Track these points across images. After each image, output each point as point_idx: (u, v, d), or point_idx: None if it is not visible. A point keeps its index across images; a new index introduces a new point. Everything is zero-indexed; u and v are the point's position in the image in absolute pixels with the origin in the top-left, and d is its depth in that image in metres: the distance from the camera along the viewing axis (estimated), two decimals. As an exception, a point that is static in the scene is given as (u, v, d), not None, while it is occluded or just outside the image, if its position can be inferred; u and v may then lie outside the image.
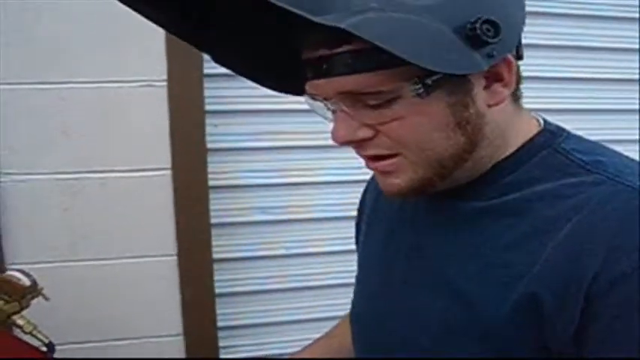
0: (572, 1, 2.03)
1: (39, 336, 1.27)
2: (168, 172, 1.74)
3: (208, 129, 1.79)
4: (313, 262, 1.98)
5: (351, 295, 1.08)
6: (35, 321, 1.28)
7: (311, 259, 1.98)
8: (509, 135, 0.80)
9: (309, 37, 0.71)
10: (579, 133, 0.83)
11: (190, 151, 1.76)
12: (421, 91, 0.69)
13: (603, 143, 0.82)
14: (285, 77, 0.83)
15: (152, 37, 1.62)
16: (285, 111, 1.84)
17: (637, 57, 2.08)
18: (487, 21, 0.66)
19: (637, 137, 2.06)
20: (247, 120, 1.86)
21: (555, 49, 2.03)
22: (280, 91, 0.86)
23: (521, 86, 0.80)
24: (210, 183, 1.81)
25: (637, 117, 2.09)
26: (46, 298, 1.29)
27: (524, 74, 0.79)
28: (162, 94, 1.70)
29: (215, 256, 1.86)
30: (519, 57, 0.77)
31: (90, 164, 1.70)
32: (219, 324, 1.90)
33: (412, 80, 0.68)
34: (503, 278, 0.75)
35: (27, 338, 1.28)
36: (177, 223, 1.78)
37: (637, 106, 2.09)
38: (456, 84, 0.71)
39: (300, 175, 1.92)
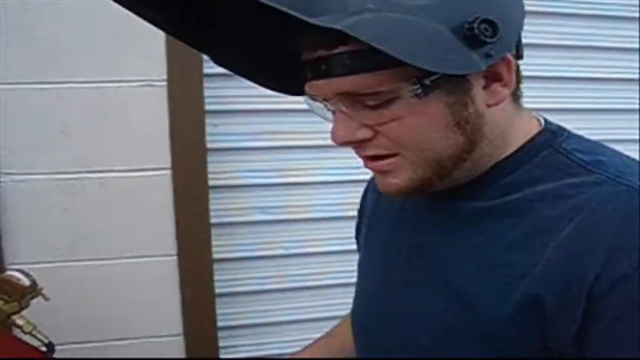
0: (571, 0, 2.03)
1: (39, 336, 1.27)
2: (168, 172, 1.74)
3: (208, 129, 1.79)
4: (312, 262, 1.98)
5: (351, 295, 1.08)
6: (35, 321, 1.28)
7: (310, 259, 1.98)
8: (509, 135, 0.80)
9: (307, 38, 0.71)
10: (579, 132, 0.83)
11: (190, 151, 1.76)
12: (419, 91, 0.69)
13: (604, 143, 0.82)
14: (285, 78, 0.82)
15: (152, 37, 1.61)
16: (284, 111, 1.84)
17: (637, 56, 2.08)
18: (485, 20, 0.66)
19: (637, 137, 2.06)
20: (247, 120, 1.86)
21: (555, 49, 2.03)
22: (280, 91, 0.86)
23: (522, 86, 0.80)
24: (210, 183, 1.81)
25: (637, 116, 2.09)
26: (46, 298, 1.29)
27: (524, 74, 0.79)
28: (162, 93, 1.70)
29: (215, 256, 1.86)
30: (519, 56, 0.77)
31: (90, 164, 1.70)
32: (219, 324, 1.90)
33: (410, 81, 0.68)
34: (504, 278, 0.75)
35: (27, 338, 1.28)
36: (177, 222, 1.77)
37: (637, 106, 2.09)
38: (454, 84, 0.71)
39: (300, 174, 1.91)
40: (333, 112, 0.76)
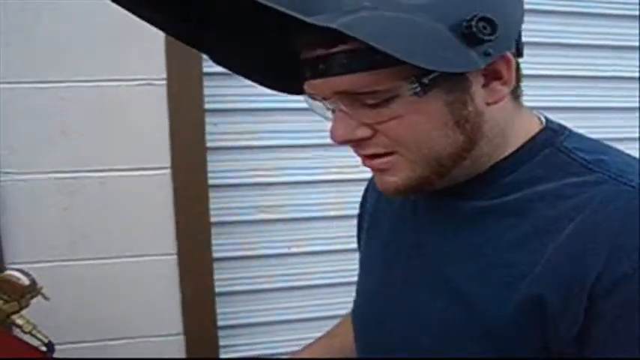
0: (572, -2, 2.03)
1: (38, 335, 1.27)
2: (168, 171, 1.74)
3: (208, 128, 1.79)
4: (313, 261, 1.98)
5: (352, 294, 1.07)
6: (35, 320, 1.28)
7: (311, 258, 1.98)
8: (509, 133, 0.79)
9: (305, 37, 0.71)
10: (580, 131, 0.83)
11: (190, 150, 1.76)
12: (418, 89, 0.69)
13: (604, 141, 0.82)
14: (285, 77, 0.82)
15: (152, 36, 1.59)
16: (284, 110, 1.84)
17: (637, 55, 2.08)
18: (483, 18, 0.66)
19: (637, 135, 2.06)
20: (247, 119, 1.85)
21: (555, 48, 2.03)
22: (279, 90, 0.86)
23: (522, 84, 0.80)
24: (210, 182, 1.81)
25: (637, 115, 2.09)
26: (46, 298, 1.29)
27: (524, 72, 0.79)
28: (162, 93, 1.70)
29: (215, 255, 1.86)
30: (519, 55, 0.77)
31: (89, 163, 1.70)
32: (219, 323, 1.90)
33: (409, 79, 0.68)
34: (504, 278, 0.74)
35: (26, 338, 1.28)
36: (177, 222, 1.77)
37: (637, 104, 2.09)
38: (453, 82, 0.71)
39: (300, 174, 1.92)
40: (333, 111, 0.76)
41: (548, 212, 0.74)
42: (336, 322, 1.26)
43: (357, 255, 1.11)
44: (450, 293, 0.81)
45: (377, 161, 0.78)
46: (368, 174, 0.91)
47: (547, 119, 0.84)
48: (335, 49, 0.68)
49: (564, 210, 0.72)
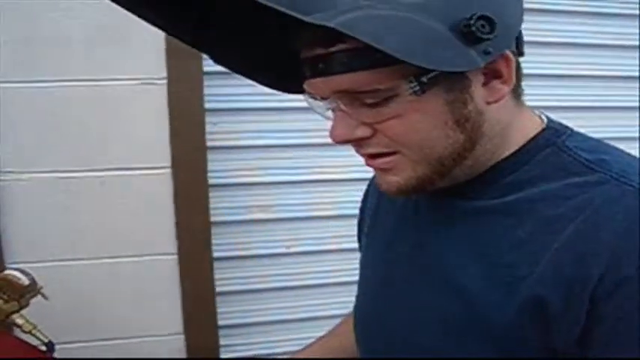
0: (572, -3, 2.03)
1: (38, 335, 1.27)
2: (168, 171, 1.74)
3: (208, 127, 1.79)
4: (314, 261, 1.98)
5: (352, 294, 1.07)
6: (34, 320, 1.28)
7: (312, 258, 1.98)
8: (510, 132, 0.79)
9: (304, 36, 0.71)
10: (581, 130, 0.83)
11: (190, 150, 1.76)
12: (417, 88, 0.68)
13: (605, 141, 0.82)
14: (285, 76, 0.82)
15: (152, 35, 1.61)
16: (285, 109, 1.84)
17: (637, 54, 2.07)
18: (482, 17, 0.65)
19: (637, 135, 2.05)
20: (247, 118, 1.86)
21: (556, 47, 2.03)
22: (280, 89, 0.86)
23: (523, 83, 0.80)
24: (210, 181, 1.81)
25: (637, 114, 2.09)
26: (46, 297, 1.29)
27: (525, 71, 0.79)
28: (162, 92, 1.70)
29: (215, 254, 1.85)
30: (520, 53, 0.77)
31: (90, 163, 1.70)
32: (220, 322, 1.90)
33: (408, 78, 0.68)
34: (506, 279, 0.74)
35: (26, 337, 1.28)
36: (177, 221, 1.78)
37: (637, 104, 2.09)
38: (453, 81, 0.70)
39: (301, 173, 1.91)
40: (333, 111, 0.76)
41: (549, 212, 0.74)
42: (334, 321, 1.26)
43: (356, 255, 1.11)
44: (452, 293, 0.80)
45: (379, 161, 0.78)
46: (366, 174, 0.91)
47: (548, 119, 0.84)
48: (334, 48, 0.68)
49: (566, 210, 0.72)
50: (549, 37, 2.01)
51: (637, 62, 2.07)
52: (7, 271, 1.27)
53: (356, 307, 1.06)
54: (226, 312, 1.93)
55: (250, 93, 1.79)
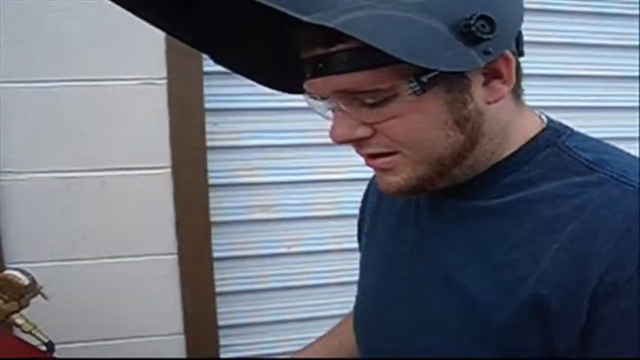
0: (573, -3, 2.03)
1: (38, 335, 1.27)
2: (168, 171, 1.74)
3: (208, 127, 1.79)
4: (315, 261, 1.98)
5: (352, 294, 1.07)
6: (34, 320, 1.28)
7: (313, 258, 1.98)
8: (510, 132, 0.79)
9: (304, 36, 0.71)
10: (581, 130, 0.83)
11: (190, 150, 1.76)
12: (417, 88, 0.68)
13: (605, 141, 0.82)
14: (285, 76, 0.82)
15: (152, 35, 1.61)
16: (285, 109, 1.84)
17: (637, 54, 2.07)
18: (482, 17, 0.65)
19: (637, 135, 2.05)
20: (247, 118, 1.85)
21: (556, 47, 2.03)
22: (280, 89, 0.86)
23: (523, 83, 0.80)
24: (210, 181, 1.81)
25: (637, 114, 2.08)
26: (45, 297, 1.29)
27: (525, 71, 0.79)
28: (162, 92, 1.70)
29: (215, 254, 1.85)
30: (520, 53, 0.77)
31: (90, 163, 1.70)
32: (220, 323, 1.90)
33: (408, 78, 0.68)
34: (506, 279, 0.74)
35: (26, 337, 1.28)
36: (177, 221, 1.77)
37: (637, 104, 2.09)
38: (453, 81, 0.70)
39: (301, 173, 1.91)
40: (333, 111, 0.76)
41: (549, 212, 0.73)
42: (335, 321, 1.26)
43: (356, 255, 1.11)
44: (451, 293, 0.80)
45: (379, 161, 0.78)
46: (366, 174, 0.91)
47: (548, 119, 0.84)
48: (334, 49, 0.68)
49: (566, 210, 0.72)
50: (549, 37, 2.01)
51: (637, 62, 2.07)
52: (7, 271, 1.26)
53: (356, 307, 1.06)
54: (226, 312, 1.93)
55: (250, 93, 1.79)
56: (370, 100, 0.71)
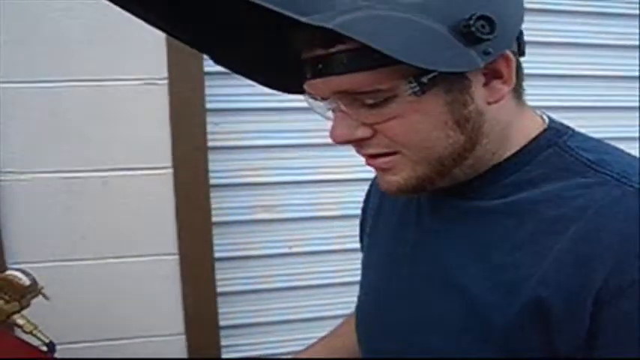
0: (573, -3, 2.03)
1: (39, 336, 1.27)
2: (170, 171, 1.74)
3: (209, 127, 1.79)
4: (316, 261, 1.98)
5: (354, 294, 1.07)
6: (35, 320, 1.28)
7: (314, 258, 1.98)
8: (511, 132, 0.79)
9: (304, 37, 0.71)
10: (582, 130, 0.83)
11: (191, 150, 1.76)
12: (417, 89, 0.68)
13: (606, 141, 0.82)
14: (285, 76, 0.82)
15: (153, 35, 1.61)
16: (286, 109, 1.84)
17: (637, 54, 2.07)
18: (482, 17, 0.65)
19: (637, 135, 2.05)
20: (248, 118, 1.85)
21: (557, 47, 2.02)
22: (281, 90, 0.86)
23: (524, 83, 0.80)
24: (212, 181, 1.81)
25: (637, 114, 2.08)
26: (47, 298, 1.29)
27: (526, 71, 0.79)
28: (164, 92, 1.70)
29: (216, 254, 1.85)
30: (521, 53, 0.77)
31: (91, 163, 1.70)
32: (221, 323, 1.90)
33: (408, 78, 0.68)
34: (508, 280, 0.74)
35: (27, 338, 1.28)
36: (179, 221, 1.77)
37: (637, 104, 2.09)
38: (453, 82, 0.70)
39: (302, 173, 1.91)
40: (333, 111, 0.76)
41: (551, 213, 0.73)
42: (337, 322, 1.26)
43: (358, 255, 1.11)
44: (452, 293, 0.80)
45: (379, 161, 0.78)
46: (368, 174, 0.91)
47: (550, 119, 0.84)
48: (333, 49, 0.68)
49: (568, 211, 0.72)
50: (550, 37, 2.00)
51: (637, 62, 2.07)
52: (8, 272, 1.26)
53: (358, 307, 1.06)
54: (227, 312, 1.93)
55: (252, 93, 1.79)
56: (370, 101, 0.71)
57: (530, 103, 0.83)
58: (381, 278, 0.98)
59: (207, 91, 1.76)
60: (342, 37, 0.61)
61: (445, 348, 0.81)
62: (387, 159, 0.77)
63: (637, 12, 2.04)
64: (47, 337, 1.27)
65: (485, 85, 0.73)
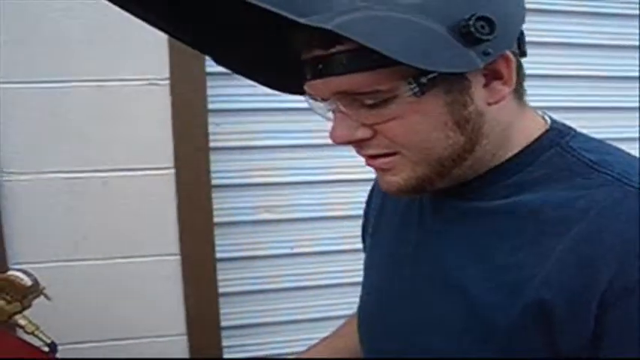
0: (573, -3, 2.03)
1: (41, 336, 1.27)
2: (171, 171, 1.74)
3: (211, 128, 1.79)
4: (317, 261, 1.98)
5: (356, 294, 1.07)
6: (37, 321, 1.28)
7: (315, 258, 1.98)
8: (512, 133, 0.79)
9: (303, 38, 0.71)
10: (583, 131, 0.83)
11: (193, 150, 1.76)
12: (417, 90, 0.68)
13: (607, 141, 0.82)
14: (286, 76, 0.82)
15: (155, 36, 1.60)
16: (288, 109, 1.84)
17: (637, 54, 2.07)
18: (481, 18, 0.65)
19: (637, 135, 2.05)
20: (250, 118, 1.85)
21: (556, 47, 2.02)
22: (280, 90, 0.86)
23: (524, 84, 0.80)
24: (213, 182, 1.81)
25: (637, 114, 2.08)
26: (48, 298, 1.29)
27: (527, 72, 0.78)
28: (165, 92, 1.70)
29: (218, 255, 1.86)
30: (522, 54, 0.77)
31: (93, 163, 1.70)
32: (223, 323, 1.90)
33: (407, 79, 0.68)
34: (509, 281, 0.74)
35: (29, 338, 1.28)
36: (181, 222, 1.77)
37: (637, 104, 2.08)
38: (452, 83, 0.70)
39: (304, 173, 1.91)
40: (333, 112, 0.76)
41: (553, 214, 0.73)
42: (339, 322, 1.26)
43: (361, 255, 1.11)
44: (453, 294, 0.80)
45: (379, 161, 0.78)
46: (371, 174, 0.91)
47: (552, 119, 0.83)
48: (333, 50, 0.68)
49: (570, 212, 0.72)
50: (545, 37, 2.00)
51: (636, 62, 2.07)
52: (9, 272, 1.26)
53: (360, 307, 1.06)
54: (229, 313, 1.93)
55: (253, 94, 1.79)
56: (370, 102, 0.71)
57: (530, 104, 0.83)
58: (383, 279, 0.98)
59: (209, 91, 1.76)
60: (340, 37, 0.61)
61: (446, 348, 0.81)
62: (386, 159, 0.77)
63: (634, 12, 2.04)
64: (49, 338, 1.28)
65: (486, 85, 0.73)
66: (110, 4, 0.69)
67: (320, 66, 0.70)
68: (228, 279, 1.91)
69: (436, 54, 0.64)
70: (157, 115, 1.71)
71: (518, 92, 0.79)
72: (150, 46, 1.66)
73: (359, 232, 1.17)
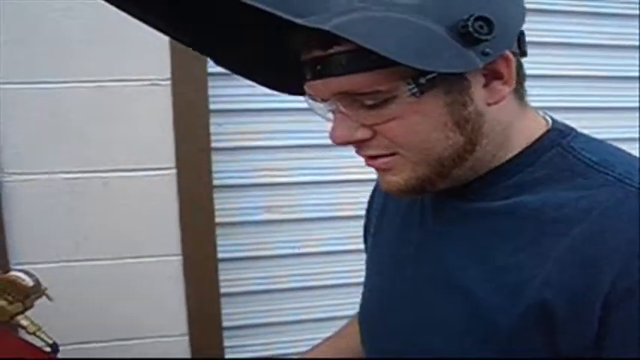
0: (573, -3, 2.02)
1: (43, 336, 1.27)
2: (173, 172, 1.74)
3: (213, 128, 1.79)
4: (318, 262, 1.98)
5: (357, 295, 1.07)
6: (39, 321, 1.28)
7: (316, 259, 1.98)
8: (512, 133, 0.79)
9: (302, 38, 0.71)
10: (584, 131, 0.83)
11: (195, 151, 1.76)
12: (416, 90, 0.68)
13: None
14: (285, 76, 0.82)
15: (156, 36, 1.60)
16: (289, 110, 1.84)
17: (637, 54, 2.07)
18: (480, 18, 0.65)
19: (637, 135, 2.05)
20: (252, 119, 1.85)
21: (556, 47, 2.02)
22: (280, 90, 0.86)
23: (525, 84, 0.80)
24: (215, 182, 1.81)
25: (637, 115, 2.08)
26: (50, 299, 1.29)
27: (527, 72, 0.78)
28: (167, 93, 1.70)
29: (220, 255, 1.86)
30: (523, 54, 0.77)
31: (94, 164, 1.70)
32: (224, 324, 1.90)
33: (407, 80, 0.68)
34: (511, 281, 0.74)
35: (30, 339, 1.28)
36: (182, 222, 1.78)
37: (637, 104, 2.08)
38: (452, 83, 0.70)
39: (305, 174, 1.91)
40: (333, 112, 0.76)
41: (554, 214, 0.73)
42: (341, 323, 1.26)
43: (361, 256, 1.11)
44: (453, 295, 0.80)
45: (379, 161, 0.78)
46: (373, 174, 0.91)
47: (553, 119, 0.83)
48: (331, 51, 0.68)
49: (571, 212, 0.72)
50: (546, 37, 2.00)
51: (636, 62, 2.07)
52: (11, 273, 1.27)
53: (361, 307, 1.06)
54: (231, 313, 1.93)
55: (255, 94, 1.79)
56: (370, 102, 0.71)
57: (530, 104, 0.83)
58: (384, 279, 0.98)
59: (211, 91, 1.76)
60: (339, 38, 0.61)
61: (448, 349, 0.81)
62: (386, 160, 0.77)
63: (634, 12, 2.04)
64: (50, 338, 1.27)
65: (486, 86, 0.73)
66: (108, 5, 0.69)
67: (319, 67, 0.70)
68: (231, 279, 1.91)
69: (434, 54, 0.64)
70: (159, 116, 1.71)
71: (519, 92, 0.79)
72: (151, 46, 1.66)
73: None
